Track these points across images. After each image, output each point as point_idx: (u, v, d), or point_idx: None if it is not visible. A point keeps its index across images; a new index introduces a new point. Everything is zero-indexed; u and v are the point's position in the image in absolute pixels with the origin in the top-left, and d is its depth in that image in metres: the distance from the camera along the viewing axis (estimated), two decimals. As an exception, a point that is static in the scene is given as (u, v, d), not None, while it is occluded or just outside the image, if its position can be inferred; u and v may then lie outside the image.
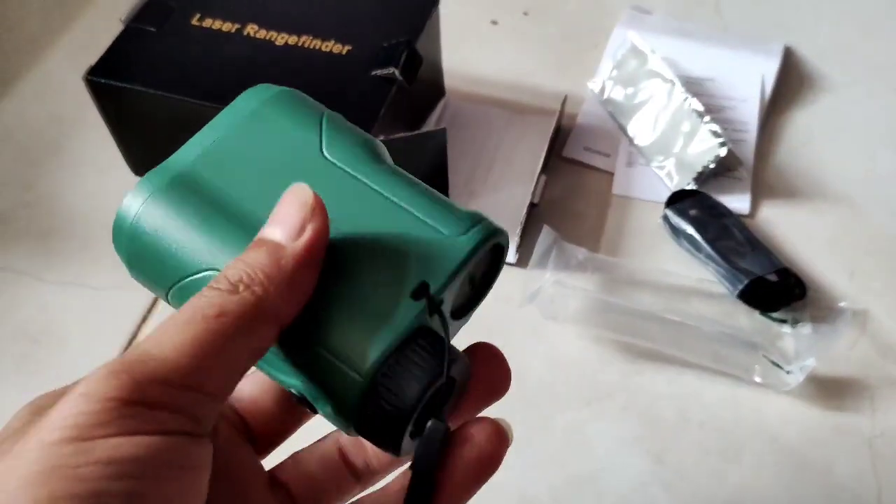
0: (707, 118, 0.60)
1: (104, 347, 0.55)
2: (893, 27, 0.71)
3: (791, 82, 0.67)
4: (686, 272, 0.57)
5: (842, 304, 0.54)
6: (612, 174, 0.62)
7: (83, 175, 0.64)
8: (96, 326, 0.56)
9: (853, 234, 0.59)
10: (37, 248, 0.60)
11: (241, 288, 0.22)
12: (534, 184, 0.60)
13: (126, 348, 0.55)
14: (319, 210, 0.23)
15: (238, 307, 0.21)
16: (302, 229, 0.23)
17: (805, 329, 0.53)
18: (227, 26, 0.59)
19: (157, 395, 0.19)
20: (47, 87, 0.70)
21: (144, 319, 0.57)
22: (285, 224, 0.23)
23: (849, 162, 0.63)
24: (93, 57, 0.57)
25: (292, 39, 0.58)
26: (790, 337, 0.53)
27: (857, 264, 0.57)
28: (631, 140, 0.63)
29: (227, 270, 0.22)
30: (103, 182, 0.64)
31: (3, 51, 0.73)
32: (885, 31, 0.71)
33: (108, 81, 0.56)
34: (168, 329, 0.21)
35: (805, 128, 0.65)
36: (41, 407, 0.21)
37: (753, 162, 0.62)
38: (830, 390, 0.52)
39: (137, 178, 0.65)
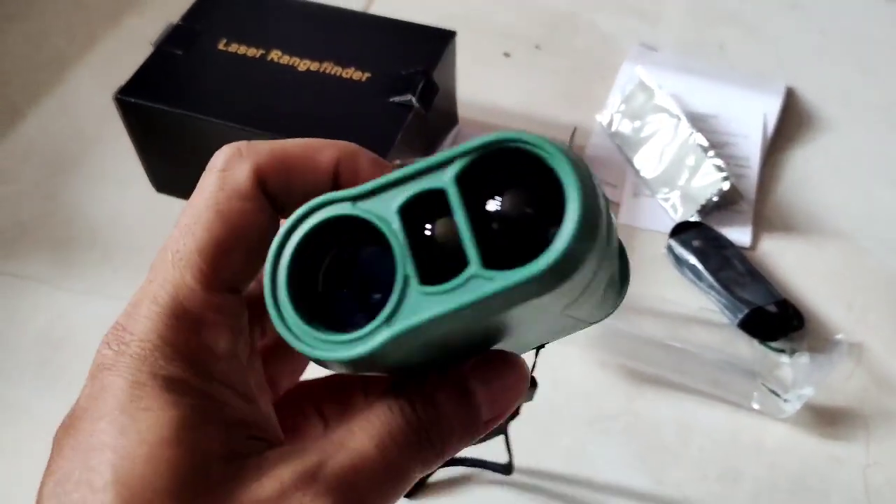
0: (711, 153, 0.62)
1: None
2: (892, 69, 0.74)
3: (792, 120, 0.70)
4: (688, 301, 0.59)
5: (839, 336, 0.56)
6: (618, 204, 0.64)
7: (104, 188, 0.66)
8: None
9: (851, 268, 0.61)
10: (57, 258, 0.62)
11: (431, 443, 0.21)
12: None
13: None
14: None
15: (420, 458, 0.21)
16: (506, 413, 0.22)
17: (802, 359, 0.55)
18: (252, 51, 0.61)
19: None
20: (71, 104, 0.72)
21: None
22: (498, 403, 0.22)
23: (847, 199, 0.65)
24: (117, 76, 0.60)
25: (314, 66, 0.60)
26: (788, 366, 0.55)
27: (854, 298, 0.59)
28: (637, 172, 0.65)
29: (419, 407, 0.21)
30: (124, 196, 0.66)
31: (30, 67, 0.75)
32: (884, 72, 0.74)
33: (137, 101, 0.58)
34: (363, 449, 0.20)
35: (805, 165, 0.67)
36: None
37: (755, 196, 0.64)
38: (826, 419, 0.54)
39: (158, 195, 0.67)
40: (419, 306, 0.19)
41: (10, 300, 0.60)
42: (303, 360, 0.28)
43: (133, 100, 0.58)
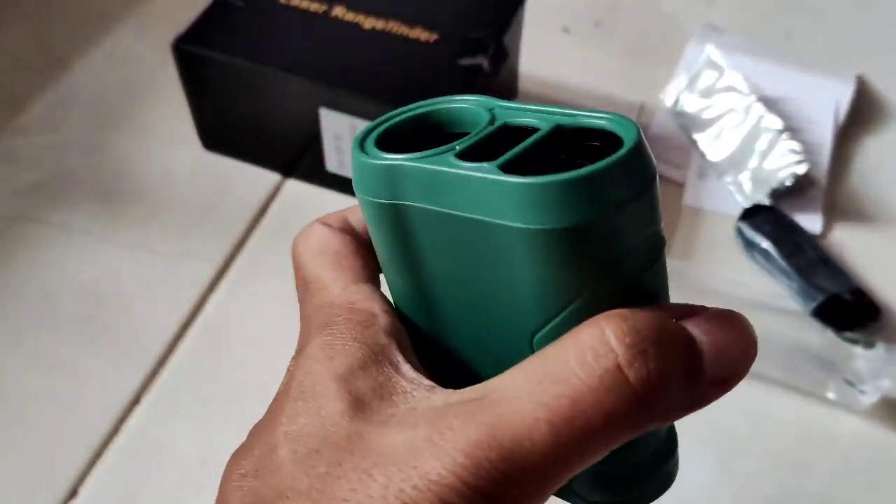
0: (786, 135, 0.60)
1: (168, 314, 0.54)
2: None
3: (863, 110, 0.67)
4: (758, 286, 0.56)
5: (916, 329, 0.54)
6: (683, 185, 0.62)
7: (151, 144, 0.64)
8: (161, 293, 0.56)
9: (924, 262, 0.59)
10: (103, 210, 0.60)
11: (652, 394, 0.17)
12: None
13: (190, 318, 0.55)
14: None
15: (639, 411, 0.17)
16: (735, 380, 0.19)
17: (879, 350, 0.52)
18: (316, 6, 0.59)
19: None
20: (118, 56, 0.70)
21: (211, 289, 0.56)
22: (725, 363, 0.18)
23: (920, 191, 0.63)
24: (166, 29, 0.57)
25: (379, 24, 0.58)
26: (862, 358, 0.53)
27: (928, 292, 0.57)
28: (703, 153, 0.63)
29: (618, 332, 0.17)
30: (172, 152, 0.63)
31: (77, 16, 0.73)
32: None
33: (196, 50, 0.56)
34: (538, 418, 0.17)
35: (877, 155, 0.65)
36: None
37: (825, 184, 0.62)
38: (901, 414, 0.52)
39: (206, 152, 0.65)
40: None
41: (56, 250, 0.58)
42: None
43: (192, 48, 0.56)
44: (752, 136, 0.62)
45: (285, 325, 0.57)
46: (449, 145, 0.20)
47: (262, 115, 0.59)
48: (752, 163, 0.61)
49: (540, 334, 0.19)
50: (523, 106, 0.21)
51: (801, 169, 0.59)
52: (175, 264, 0.57)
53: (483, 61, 0.56)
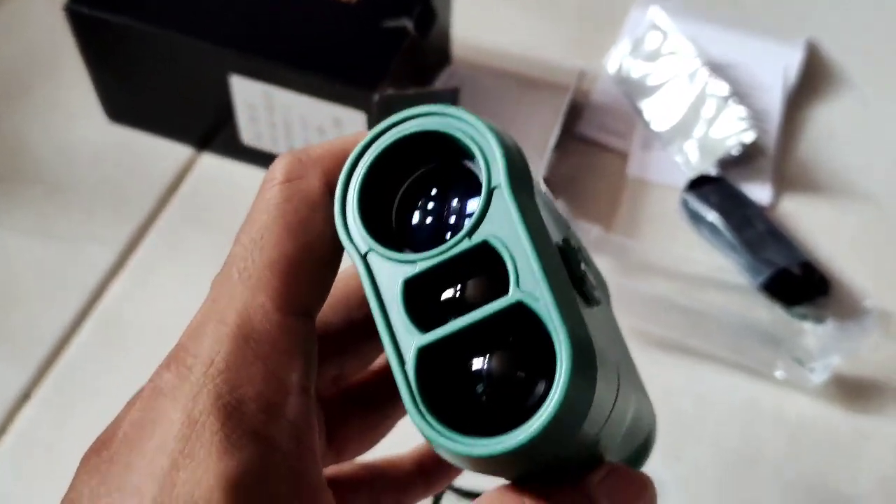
0: (732, 101, 0.57)
1: (63, 303, 0.50)
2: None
3: (813, 76, 0.64)
4: (704, 260, 0.53)
5: (867, 302, 0.51)
6: (626, 155, 0.59)
7: (53, 118, 0.59)
8: (57, 280, 0.51)
9: (877, 234, 0.56)
10: (-4, 192, 0.55)
11: None
12: (545, 159, 0.56)
13: (87, 307, 0.50)
14: None
15: None
16: None
17: (828, 326, 0.50)
18: (226, -37, 0.54)
19: None
20: (19, 22, 0.64)
21: (112, 275, 0.51)
22: None
23: (873, 161, 0.60)
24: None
25: (297, -17, 0.54)
26: (811, 334, 0.50)
27: (881, 265, 0.54)
28: (647, 122, 0.60)
29: None
30: (74, 127, 0.58)
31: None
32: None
33: (92, 12, 0.51)
34: None
35: (827, 123, 0.62)
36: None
37: (774, 153, 0.59)
38: (852, 392, 0.49)
39: (112, 125, 0.60)
40: None
41: (-62, 235, 0.52)
42: (375, 427, 0.26)
43: (87, 11, 0.51)
44: (697, 102, 0.58)
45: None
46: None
47: (169, 83, 0.54)
48: (699, 131, 0.58)
49: None
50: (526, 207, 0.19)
51: (749, 137, 0.56)
52: (74, 248, 0.52)
53: (408, 23, 0.51)
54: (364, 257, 0.19)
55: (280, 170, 0.20)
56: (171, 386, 0.18)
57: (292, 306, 0.19)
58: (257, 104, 0.52)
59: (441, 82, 0.62)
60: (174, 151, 0.57)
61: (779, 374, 0.48)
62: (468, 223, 0.19)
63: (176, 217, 0.54)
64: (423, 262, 0.19)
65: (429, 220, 0.20)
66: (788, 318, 0.50)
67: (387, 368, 0.26)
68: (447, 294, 0.19)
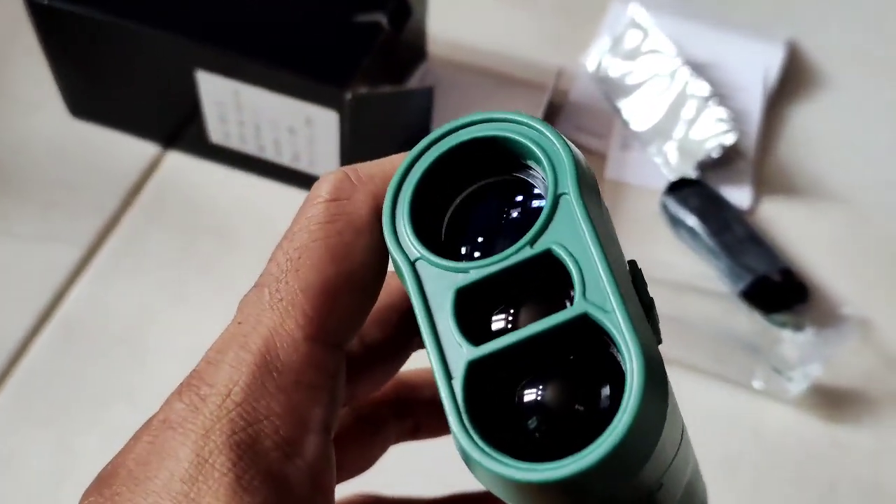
0: (712, 102, 0.56)
1: (23, 306, 0.48)
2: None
3: (793, 77, 0.64)
4: (683, 266, 0.52)
5: (846, 310, 0.50)
6: (605, 156, 0.58)
7: (12, 112, 0.56)
8: (16, 282, 0.49)
9: (856, 239, 0.55)
10: (-49, 190, 0.53)
11: None
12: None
13: (49, 309, 0.48)
14: None
15: None
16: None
17: (808, 334, 0.49)
18: (193, -46, 0.52)
19: None
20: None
21: (75, 277, 0.49)
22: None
23: (854, 164, 0.59)
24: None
25: (266, -25, 0.52)
26: (791, 342, 0.49)
27: (860, 271, 0.54)
28: (626, 122, 0.59)
29: None
30: (34, 122, 0.56)
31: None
32: (888, 30, 0.68)
33: (52, 2, 0.49)
34: None
35: (808, 125, 0.61)
36: None
37: (754, 155, 0.58)
38: (831, 402, 0.48)
39: (74, 120, 0.58)
40: None
41: None
42: (371, 450, 0.25)
43: (47, 1, 0.49)
44: (678, 103, 0.57)
45: (163, 319, 0.51)
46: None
47: (134, 78, 0.52)
48: (679, 132, 0.57)
49: None
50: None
51: (730, 139, 0.55)
52: (33, 248, 0.50)
53: (382, 18, 0.50)
54: (413, 264, 0.18)
55: (327, 187, 0.19)
56: (182, 418, 0.17)
57: (324, 336, 0.18)
58: (226, 101, 0.50)
59: (416, 80, 0.61)
60: (139, 149, 0.55)
61: (757, 383, 0.47)
62: (532, 231, 0.18)
63: (140, 217, 0.52)
64: (477, 270, 0.18)
65: (483, 229, 0.19)
66: (767, 326, 0.50)
67: (387, 392, 0.25)
68: (501, 307, 0.18)
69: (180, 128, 0.54)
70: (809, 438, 0.47)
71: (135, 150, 0.55)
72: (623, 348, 0.16)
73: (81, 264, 0.50)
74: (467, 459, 0.17)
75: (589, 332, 0.17)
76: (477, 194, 0.19)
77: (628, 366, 0.16)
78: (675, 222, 0.53)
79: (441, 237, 0.19)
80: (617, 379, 0.17)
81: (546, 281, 0.18)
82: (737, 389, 0.48)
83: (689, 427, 0.48)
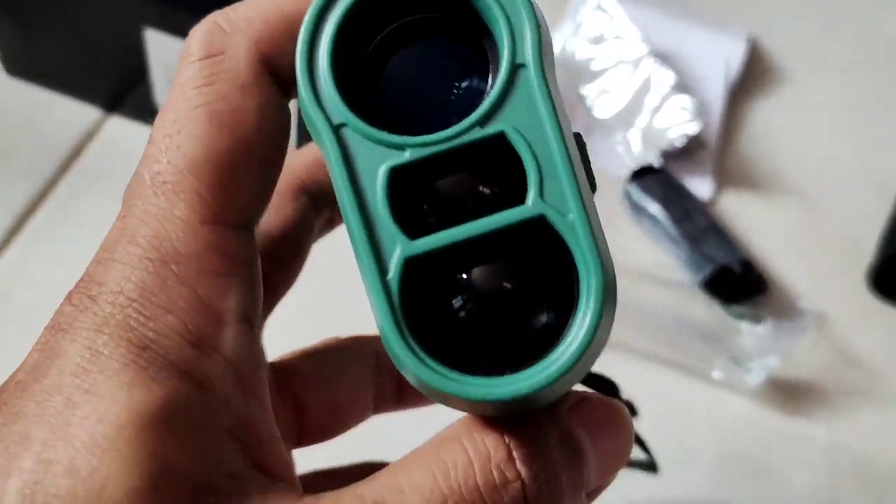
0: (678, 91, 0.55)
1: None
2: (856, 26, 0.69)
3: (755, 72, 0.64)
4: (643, 254, 0.52)
5: (803, 303, 0.50)
6: (567, 141, 0.57)
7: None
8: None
9: (812, 233, 0.55)
10: None
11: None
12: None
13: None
14: None
15: None
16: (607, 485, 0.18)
17: (766, 326, 0.49)
18: None
19: None
20: None
21: (6, 243, 0.46)
22: (605, 469, 0.17)
23: (811, 158, 0.59)
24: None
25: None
26: (749, 334, 0.49)
27: (816, 263, 0.54)
28: (589, 108, 0.58)
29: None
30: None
31: None
32: (847, 29, 0.69)
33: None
34: None
35: (768, 119, 0.61)
36: None
37: (716, 147, 0.58)
38: (787, 394, 0.48)
39: (10, 79, 0.54)
40: None
41: None
42: (340, 377, 0.23)
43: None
44: (642, 90, 0.57)
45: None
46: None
47: (75, 35, 0.49)
48: (642, 120, 0.56)
49: None
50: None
51: (693, 128, 0.54)
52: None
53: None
54: (336, 130, 0.15)
55: (197, 43, 0.16)
56: (72, 319, 0.15)
57: (224, 218, 0.16)
58: (175, 64, 0.47)
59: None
60: (80, 112, 0.52)
61: (716, 374, 0.47)
62: (482, 108, 0.15)
63: (78, 183, 0.49)
64: (416, 149, 0.15)
65: (424, 98, 0.16)
66: (726, 317, 0.49)
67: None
68: (442, 195, 0.15)
69: (125, 91, 0.51)
70: (765, 431, 0.47)
71: (74, 112, 0.52)
72: (581, 264, 0.15)
73: (13, 230, 0.47)
74: (404, 370, 0.15)
75: (541, 234, 0.15)
76: (416, 45, 0.16)
77: (585, 283, 0.15)
78: (638, 210, 0.52)
79: (370, 100, 0.16)
80: (567, 289, 0.15)
81: (494, 168, 0.15)
82: (695, 379, 0.47)
83: (647, 416, 0.47)
